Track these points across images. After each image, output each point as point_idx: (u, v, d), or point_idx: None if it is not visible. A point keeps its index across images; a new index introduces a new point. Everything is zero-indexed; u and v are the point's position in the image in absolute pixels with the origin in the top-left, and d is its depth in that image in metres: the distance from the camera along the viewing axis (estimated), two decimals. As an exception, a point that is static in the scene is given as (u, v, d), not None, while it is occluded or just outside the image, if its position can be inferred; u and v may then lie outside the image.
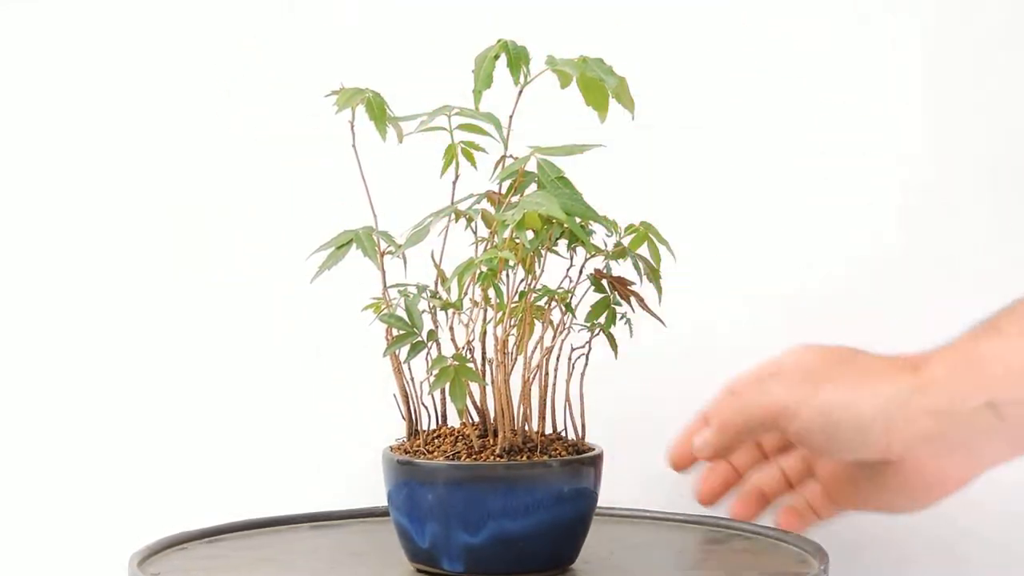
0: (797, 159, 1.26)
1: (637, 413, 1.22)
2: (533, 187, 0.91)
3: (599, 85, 0.87)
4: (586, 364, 0.97)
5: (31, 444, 1.22)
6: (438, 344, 0.94)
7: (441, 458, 0.91)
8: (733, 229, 1.26)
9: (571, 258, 0.96)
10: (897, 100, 1.26)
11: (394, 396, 0.96)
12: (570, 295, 0.95)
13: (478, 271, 0.89)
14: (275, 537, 1.06)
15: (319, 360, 1.23)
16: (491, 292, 0.91)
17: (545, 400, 0.95)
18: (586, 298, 0.97)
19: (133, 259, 1.23)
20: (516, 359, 0.93)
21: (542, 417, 0.95)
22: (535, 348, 0.94)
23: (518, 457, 0.91)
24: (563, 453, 0.93)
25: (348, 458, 1.20)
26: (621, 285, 0.95)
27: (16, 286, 1.23)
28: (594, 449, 0.95)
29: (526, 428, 0.93)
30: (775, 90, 1.25)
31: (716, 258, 1.25)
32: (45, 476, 1.21)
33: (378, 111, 0.89)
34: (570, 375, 0.97)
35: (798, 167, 1.26)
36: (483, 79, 0.90)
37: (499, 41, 0.90)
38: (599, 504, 0.95)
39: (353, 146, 0.92)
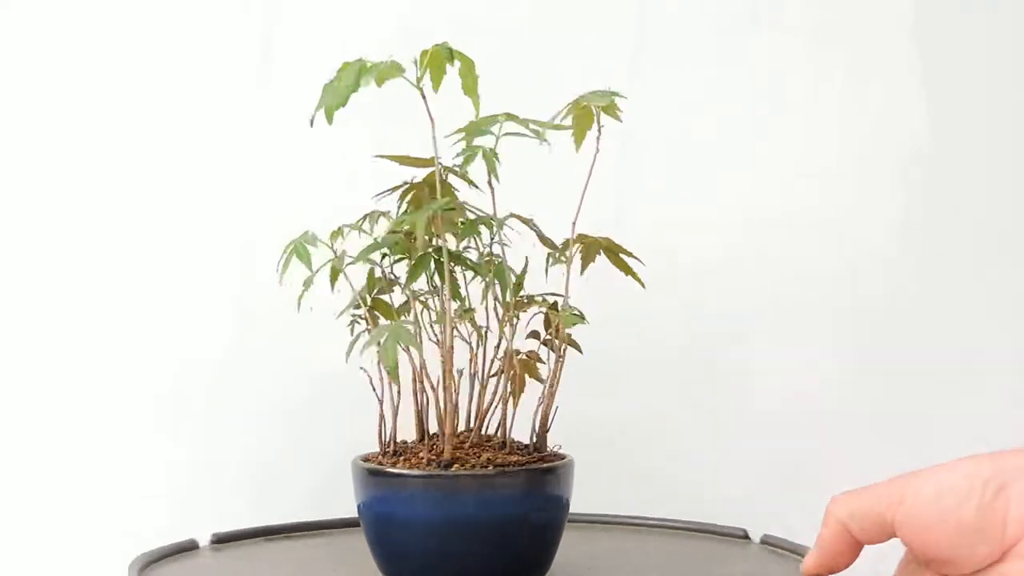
0: (788, 162, 1.26)
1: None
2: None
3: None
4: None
5: (32, 452, 1.23)
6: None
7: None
8: (728, 229, 1.26)
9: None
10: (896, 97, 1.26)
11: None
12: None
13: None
14: (277, 544, 1.07)
15: (318, 364, 1.22)
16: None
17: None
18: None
19: (133, 263, 1.24)
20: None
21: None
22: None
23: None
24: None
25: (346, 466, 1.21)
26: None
27: (17, 287, 1.24)
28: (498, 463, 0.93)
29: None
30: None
31: (714, 257, 1.26)
32: (46, 484, 1.23)
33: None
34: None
35: (785, 172, 1.26)
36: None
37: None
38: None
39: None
